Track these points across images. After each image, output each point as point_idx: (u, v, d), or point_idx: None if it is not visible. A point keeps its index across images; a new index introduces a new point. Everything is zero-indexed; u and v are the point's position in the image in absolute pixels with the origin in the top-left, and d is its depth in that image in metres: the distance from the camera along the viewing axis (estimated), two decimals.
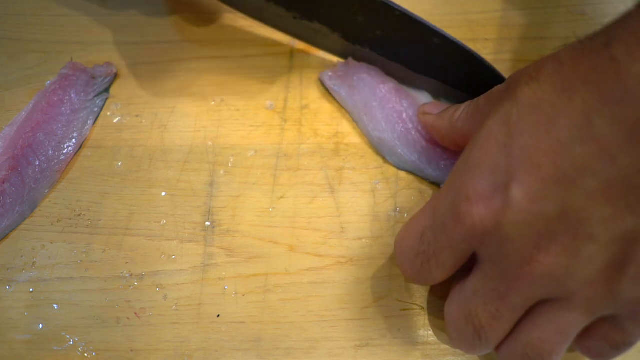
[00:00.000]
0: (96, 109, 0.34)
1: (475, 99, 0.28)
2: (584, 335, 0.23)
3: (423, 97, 0.34)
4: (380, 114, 0.33)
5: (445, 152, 0.32)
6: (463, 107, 0.28)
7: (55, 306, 0.28)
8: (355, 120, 0.34)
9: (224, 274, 0.29)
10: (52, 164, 0.32)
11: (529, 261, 0.21)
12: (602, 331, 0.23)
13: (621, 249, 0.20)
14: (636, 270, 0.20)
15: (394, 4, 0.31)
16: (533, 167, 0.21)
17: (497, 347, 0.24)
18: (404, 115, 0.32)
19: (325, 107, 0.34)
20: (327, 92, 0.35)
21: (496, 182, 0.21)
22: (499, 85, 0.26)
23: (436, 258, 0.24)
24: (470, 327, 0.23)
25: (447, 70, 0.33)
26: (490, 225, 0.21)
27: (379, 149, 0.33)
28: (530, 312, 0.23)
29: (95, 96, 0.34)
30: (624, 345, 0.23)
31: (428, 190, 0.32)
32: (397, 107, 0.33)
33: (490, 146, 0.22)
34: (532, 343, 0.22)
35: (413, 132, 0.32)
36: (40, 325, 0.28)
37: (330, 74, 0.34)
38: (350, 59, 0.35)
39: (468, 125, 0.28)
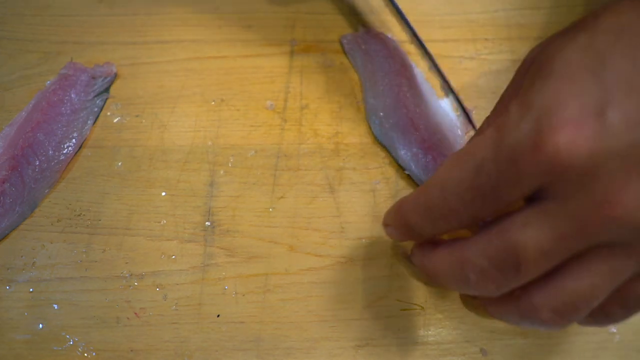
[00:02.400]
0: (96, 109, 0.34)
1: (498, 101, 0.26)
2: (623, 291, 0.21)
3: (427, 88, 0.35)
4: (382, 84, 0.34)
5: (423, 143, 0.32)
6: (484, 122, 0.27)
7: (55, 306, 0.28)
8: (361, 83, 0.35)
9: (224, 274, 0.29)
10: (52, 164, 0.32)
11: (611, 201, 0.19)
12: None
13: None
14: None
15: None
16: (632, 91, 0.19)
17: (531, 299, 0.22)
18: (402, 92, 0.34)
19: (325, 107, 0.34)
20: (327, 92, 0.35)
21: (588, 107, 0.19)
22: (525, 61, 0.24)
23: (494, 192, 0.21)
24: (511, 259, 0.21)
25: None
26: (578, 154, 0.19)
27: (368, 115, 0.34)
28: (580, 257, 0.20)
29: (95, 96, 0.34)
30: None
31: None
32: (399, 83, 0.34)
33: (575, 73, 0.20)
34: (580, 289, 0.20)
35: (402, 110, 0.33)
36: (40, 325, 0.28)
37: (349, 37, 0.37)
38: (372, 28, 0.37)
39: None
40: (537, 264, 0.20)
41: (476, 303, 0.26)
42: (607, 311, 0.22)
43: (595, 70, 0.20)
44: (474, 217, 0.22)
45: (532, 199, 0.21)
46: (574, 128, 0.19)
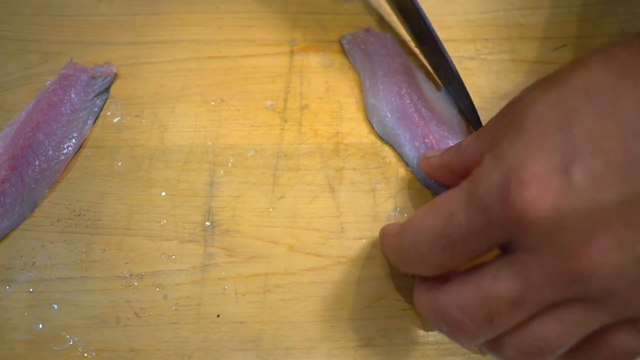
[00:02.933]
0: (96, 109, 0.34)
1: (481, 128, 0.27)
2: (590, 343, 0.22)
3: (428, 86, 0.35)
4: (382, 83, 0.34)
5: (426, 137, 0.32)
6: (468, 137, 0.27)
7: (55, 306, 0.28)
8: (361, 83, 0.35)
9: (224, 274, 0.29)
10: (52, 164, 0.32)
11: (577, 256, 0.19)
12: (618, 338, 0.21)
13: None
14: None
15: None
16: (597, 150, 0.19)
17: (499, 337, 0.22)
18: (403, 91, 0.34)
19: (325, 107, 0.34)
20: (327, 92, 0.35)
21: (554, 164, 0.20)
22: (505, 107, 0.25)
23: (464, 242, 0.22)
24: (483, 311, 0.21)
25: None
26: (544, 209, 0.19)
27: (369, 115, 0.34)
28: (552, 307, 0.21)
29: (95, 96, 0.34)
30: (637, 352, 0.22)
31: (428, 191, 0.32)
32: (400, 82, 0.34)
33: (544, 128, 0.21)
34: (547, 337, 0.21)
35: (405, 109, 0.33)
36: (40, 325, 0.28)
37: (349, 37, 0.37)
38: (371, 28, 0.37)
39: (480, 148, 0.26)
40: (509, 315, 0.21)
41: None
42: None
43: (564, 127, 0.20)
44: (444, 265, 0.23)
45: (505, 249, 0.22)
46: (539, 184, 0.19)
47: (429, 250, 0.23)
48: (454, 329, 0.23)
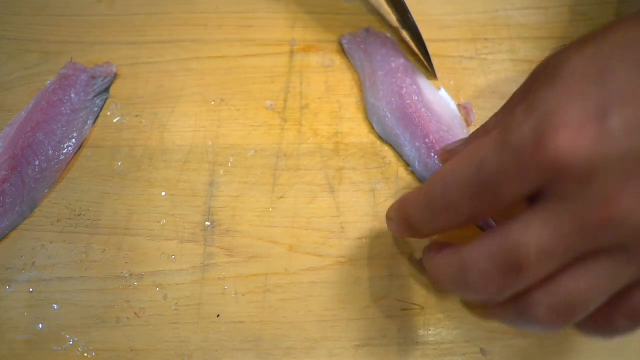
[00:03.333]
0: (96, 109, 0.34)
1: (507, 101, 0.26)
2: (617, 297, 0.22)
3: (428, 86, 0.35)
4: (382, 84, 0.34)
5: (426, 137, 0.32)
6: (494, 115, 0.27)
7: (55, 306, 0.28)
8: (361, 83, 0.35)
9: (224, 274, 0.29)
10: (52, 164, 0.32)
11: (609, 202, 0.19)
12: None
13: None
14: None
15: None
16: (634, 99, 0.19)
17: (528, 295, 0.22)
18: (403, 91, 0.34)
19: (325, 107, 0.34)
20: (327, 92, 0.35)
21: (589, 111, 0.20)
22: (536, 69, 0.25)
23: (494, 190, 0.21)
24: (511, 260, 0.21)
25: None
26: (578, 156, 0.19)
27: (369, 115, 0.34)
28: (581, 260, 0.21)
29: (95, 96, 0.34)
30: None
31: None
32: (400, 82, 0.34)
33: (580, 79, 0.21)
34: (578, 288, 0.21)
35: (405, 109, 0.33)
36: (40, 325, 0.28)
37: (349, 37, 0.37)
38: (371, 28, 0.37)
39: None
40: (538, 265, 0.21)
41: (475, 304, 0.26)
42: (610, 320, 0.22)
43: (600, 78, 0.20)
44: (473, 214, 0.23)
45: (534, 201, 0.21)
46: (574, 130, 0.19)
47: (459, 197, 0.23)
48: (480, 281, 0.22)
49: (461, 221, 0.23)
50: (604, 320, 0.23)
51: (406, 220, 0.26)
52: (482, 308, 0.25)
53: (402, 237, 0.31)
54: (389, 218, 0.28)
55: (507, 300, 0.23)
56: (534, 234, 0.20)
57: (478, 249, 0.22)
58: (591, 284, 0.21)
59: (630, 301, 0.22)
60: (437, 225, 0.25)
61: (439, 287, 0.25)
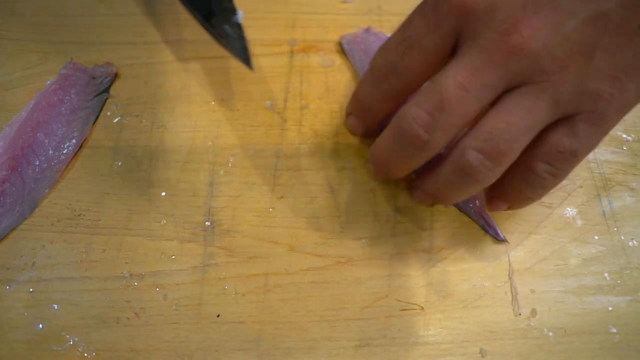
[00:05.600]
0: (96, 109, 0.34)
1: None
2: (535, 145, 0.24)
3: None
4: None
5: None
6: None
7: (55, 306, 0.28)
8: None
9: (224, 274, 0.29)
10: (52, 164, 0.32)
11: (510, 32, 0.22)
12: (555, 136, 0.24)
13: (593, 33, 0.22)
14: (602, 58, 0.22)
15: None
16: None
17: (459, 145, 0.25)
18: None
19: (325, 107, 0.35)
20: (327, 92, 0.35)
21: None
22: None
23: (419, 42, 0.26)
24: (435, 99, 0.24)
25: None
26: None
27: None
28: (497, 101, 0.24)
29: (95, 96, 0.34)
30: (571, 153, 0.24)
31: None
32: None
33: None
34: (497, 126, 0.23)
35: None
36: (40, 325, 0.28)
37: (349, 37, 0.37)
38: (371, 28, 0.37)
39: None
40: (458, 101, 0.24)
41: (417, 183, 0.29)
42: (533, 167, 0.25)
43: None
44: (409, 68, 0.26)
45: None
46: None
47: (395, 57, 0.27)
48: (411, 126, 0.25)
49: (402, 82, 0.27)
50: (527, 169, 0.25)
51: (359, 103, 0.30)
52: (427, 176, 0.28)
53: (360, 133, 0.32)
54: (347, 114, 0.32)
55: (444, 159, 0.26)
56: (450, 73, 0.24)
57: (411, 101, 0.25)
58: (509, 120, 0.23)
59: (547, 143, 0.25)
60: (383, 96, 0.28)
61: (380, 162, 0.28)
